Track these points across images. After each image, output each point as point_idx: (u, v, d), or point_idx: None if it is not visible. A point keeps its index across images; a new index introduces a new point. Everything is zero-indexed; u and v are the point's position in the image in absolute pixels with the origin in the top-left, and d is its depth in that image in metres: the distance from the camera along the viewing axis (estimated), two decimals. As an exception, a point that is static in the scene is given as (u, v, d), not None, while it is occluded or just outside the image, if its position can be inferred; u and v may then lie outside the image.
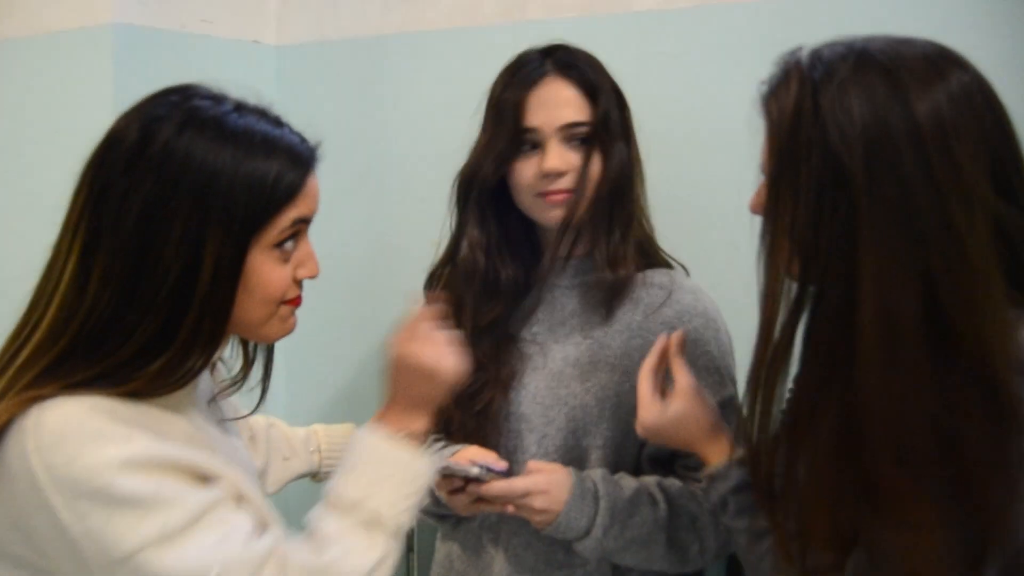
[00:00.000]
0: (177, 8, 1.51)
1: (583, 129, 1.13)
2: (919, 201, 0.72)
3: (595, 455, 1.15)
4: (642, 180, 1.20)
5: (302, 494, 1.30)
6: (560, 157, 1.12)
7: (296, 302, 0.90)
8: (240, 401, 1.05)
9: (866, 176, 0.73)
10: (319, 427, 1.31)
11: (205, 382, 0.96)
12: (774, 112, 0.79)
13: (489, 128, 1.16)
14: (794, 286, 0.80)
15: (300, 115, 1.63)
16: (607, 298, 1.16)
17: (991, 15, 1.26)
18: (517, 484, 1.06)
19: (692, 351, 1.15)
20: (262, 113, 0.88)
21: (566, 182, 1.13)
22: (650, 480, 1.14)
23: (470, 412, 1.15)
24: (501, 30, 1.51)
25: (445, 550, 1.25)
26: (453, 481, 1.08)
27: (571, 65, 1.14)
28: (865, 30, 1.33)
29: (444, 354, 0.91)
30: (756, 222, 1.37)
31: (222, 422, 0.98)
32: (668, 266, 1.24)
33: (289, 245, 0.86)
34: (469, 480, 1.07)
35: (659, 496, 1.11)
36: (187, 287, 0.80)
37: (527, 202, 1.16)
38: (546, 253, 1.19)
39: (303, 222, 0.87)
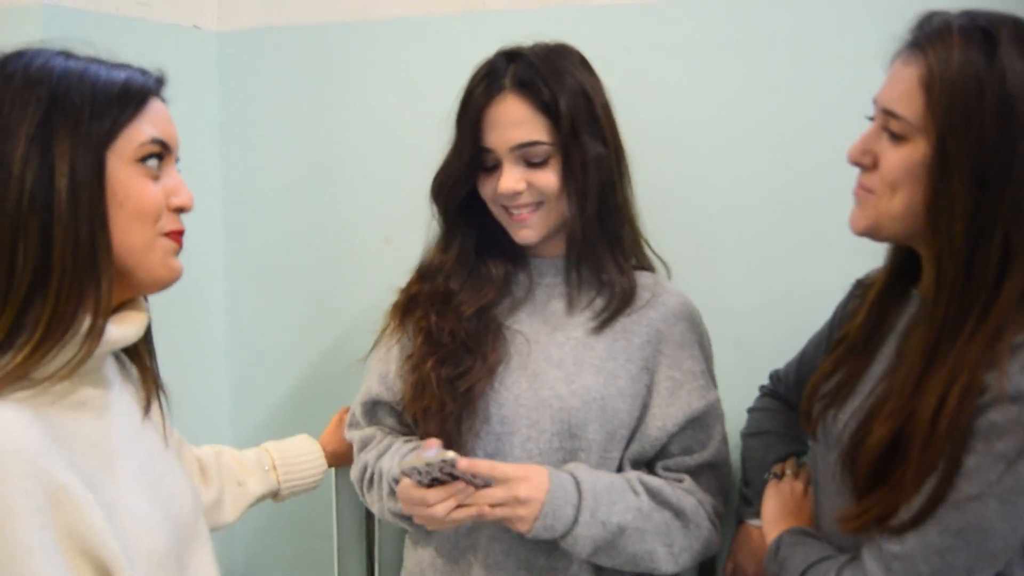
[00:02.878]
0: (112, -11, 1.42)
1: (540, 148, 1.11)
2: None
3: (580, 458, 1.12)
4: (628, 180, 1.19)
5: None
6: (513, 178, 1.11)
7: (177, 236, 0.86)
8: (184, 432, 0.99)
9: None
10: (270, 444, 1.27)
11: (131, 404, 0.90)
12: (933, 56, 0.83)
13: (456, 141, 1.16)
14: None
15: (243, 105, 1.58)
16: (614, 311, 1.16)
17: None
18: (496, 473, 1.03)
19: (678, 355, 1.16)
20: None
21: (527, 198, 1.12)
22: (629, 474, 1.12)
23: (451, 393, 1.12)
24: (459, 20, 1.47)
25: (416, 558, 1.20)
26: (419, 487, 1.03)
27: (528, 81, 1.11)
28: (828, 27, 1.34)
29: None
30: (718, 221, 1.37)
31: (163, 442, 0.93)
32: (651, 268, 1.24)
33: (152, 163, 0.84)
34: (434, 481, 1.01)
35: (639, 488, 1.10)
36: (46, 197, 0.76)
37: (497, 215, 1.17)
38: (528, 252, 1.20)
39: (162, 145, 0.84)
